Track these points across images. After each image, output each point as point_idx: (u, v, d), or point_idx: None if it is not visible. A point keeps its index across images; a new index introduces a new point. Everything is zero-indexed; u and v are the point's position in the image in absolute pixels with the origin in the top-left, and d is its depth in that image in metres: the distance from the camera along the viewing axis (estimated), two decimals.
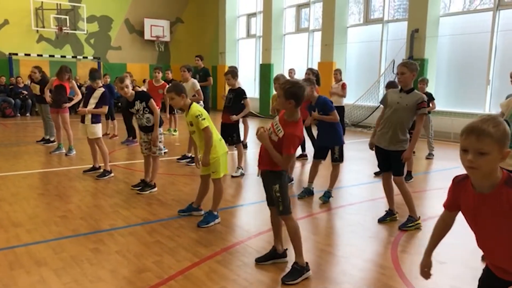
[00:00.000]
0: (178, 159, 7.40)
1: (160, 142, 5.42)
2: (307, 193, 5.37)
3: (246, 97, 6.50)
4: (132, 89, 5.38)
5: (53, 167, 6.91)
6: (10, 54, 15.73)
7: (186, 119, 4.33)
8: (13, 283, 3.05)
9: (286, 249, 3.48)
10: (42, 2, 15.94)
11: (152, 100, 5.36)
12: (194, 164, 5.74)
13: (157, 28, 18.67)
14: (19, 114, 14.45)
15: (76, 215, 4.52)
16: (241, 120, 8.08)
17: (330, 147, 5.27)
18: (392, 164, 4.30)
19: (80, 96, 7.82)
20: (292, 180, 6.04)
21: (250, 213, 4.93)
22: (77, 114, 6.37)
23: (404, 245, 3.92)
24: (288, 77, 9.87)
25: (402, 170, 4.36)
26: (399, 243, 3.96)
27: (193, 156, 6.66)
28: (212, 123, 4.28)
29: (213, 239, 3.93)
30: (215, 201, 4.35)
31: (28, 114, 14.51)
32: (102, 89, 6.22)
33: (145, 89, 7.91)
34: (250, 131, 8.77)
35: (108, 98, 6.28)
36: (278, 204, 3.23)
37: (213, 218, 4.28)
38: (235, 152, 6.80)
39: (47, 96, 8.11)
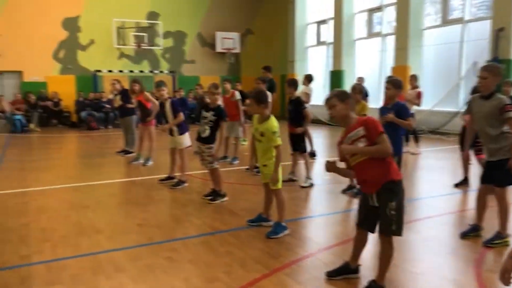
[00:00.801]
0: (247, 168, 7.47)
1: (209, 156, 5.48)
2: None
3: (305, 107, 6.50)
4: (202, 101, 5.59)
5: (132, 177, 7.32)
6: (95, 71, 17.02)
7: (258, 126, 4.33)
8: (95, 287, 3.25)
9: (360, 265, 3.35)
10: (123, 21, 17.08)
11: (224, 122, 5.52)
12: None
13: (228, 40, 19.18)
14: (102, 127, 15.53)
15: (152, 223, 4.73)
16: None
17: None
18: (495, 175, 3.93)
19: (156, 103, 8.12)
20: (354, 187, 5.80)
21: (320, 225, 4.84)
22: (162, 131, 6.66)
23: (490, 264, 3.61)
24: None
25: (508, 180, 3.97)
26: (484, 261, 3.65)
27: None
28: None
29: (282, 251, 3.90)
30: (279, 212, 4.33)
31: (110, 127, 15.54)
32: (169, 100, 6.47)
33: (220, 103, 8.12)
34: (319, 140, 8.65)
35: (178, 104, 6.52)
36: (390, 222, 2.94)
37: (282, 229, 4.25)
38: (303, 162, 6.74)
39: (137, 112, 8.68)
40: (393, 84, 4.84)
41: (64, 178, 7.23)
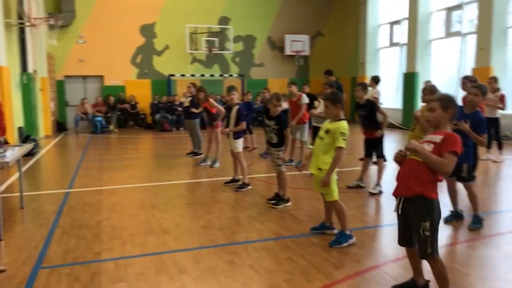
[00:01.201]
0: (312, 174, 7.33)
1: (278, 158, 5.45)
2: (455, 217, 4.78)
3: (379, 107, 6.22)
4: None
5: (199, 178, 7.49)
6: (169, 75, 17.75)
7: (325, 125, 4.20)
8: (158, 287, 3.32)
9: (429, 281, 3.11)
10: (195, 27, 17.65)
11: (287, 130, 5.46)
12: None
13: (297, 43, 19.11)
14: (174, 129, 16.14)
15: (215, 225, 4.77)
16: None
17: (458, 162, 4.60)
18: None
19: (222, 109, 8.34)
20: None
21: (388, 236, 4.58)
22: (222, 133, 6.79)
23: None
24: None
25: None
26: None
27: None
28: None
29: (346, 261, 3.75)
30: (340, 221, 4.16)
31: (181, 129, 16.10)
32: (237, 107, 6.53)
33: (286, 106, 8.08)
34: (390, 145, 8.27)
35: (243, 114, 6.57)
36: (426, 245, 2.78)
37: (345, 239, 4.08)
38: (374, 168, 6.46)
39: (205, 116, 8.93)
40: (481, 90, 4.44)
41: (136, 177, 7.57)
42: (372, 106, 6.17)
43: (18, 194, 5.73)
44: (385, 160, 8.17)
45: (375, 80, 9.81)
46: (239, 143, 6.56)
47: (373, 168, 6.54)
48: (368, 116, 6.14)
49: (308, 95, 8.78)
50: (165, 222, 4.92)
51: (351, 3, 18.96)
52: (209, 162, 8.49)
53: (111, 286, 3.34)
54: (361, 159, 6.42)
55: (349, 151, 9.75)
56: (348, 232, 4.14)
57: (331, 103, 4.12)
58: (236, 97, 6.64)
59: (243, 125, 6.50)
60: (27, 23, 11.14)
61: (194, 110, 9.36)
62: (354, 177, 6.54)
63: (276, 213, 5.20)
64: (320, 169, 4.08)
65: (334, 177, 4.14)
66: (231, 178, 6.84)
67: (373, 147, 6.25)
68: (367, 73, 17.51)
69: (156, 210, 5.42)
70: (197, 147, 9.60)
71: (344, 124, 4.08)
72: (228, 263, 3.74)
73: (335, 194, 4.13)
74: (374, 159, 6.33)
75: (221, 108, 8.48)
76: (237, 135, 6.52)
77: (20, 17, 11.12)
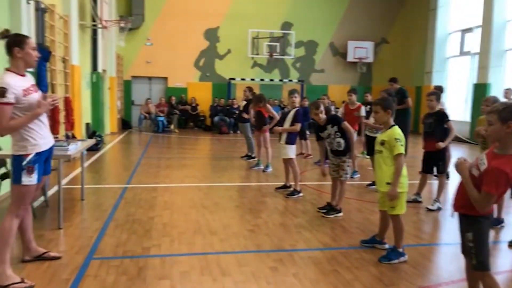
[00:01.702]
0: (368, 184, 7.09)
1: (348, 166, 5.27)
2: None
3: (449, 120, 5.78)
4: (327, 113, 5.43)
5: (251, 182, 7.50)
6: (229, 79, 18.05)
7: (379, 136, 4.06)
8: (200, 287, 3.34)
9: None
10: (258, 32, 17.82)
11: (344, 122, 5.29)
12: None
13: (360, 49, 18.69)
14: (232, 131, 16.36)
15: (262, 230, 4.74)
16: None
17: None
18: None
19: (277, 118, 8.34)
20: (502, 222, 5.05)
21: (444, 255, 4.31)
22: (273, 133, 6.75)
23: None
24: (504, 99, 8.53)
25: None
26: None
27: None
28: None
29: (396, 279, 3.55)
30: (396, 238, 3.95)
31: (238, 132, 16.27)
32: (296, 109, 6.46)
33: (340, 113, 7.92)
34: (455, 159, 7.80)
35: (301, 116, 6.48)
36: (471, 256, 2.72)
37: (397, 256, 3.87)
38: (434, 182, 6.11)
39: (251, 116, 9.01)
40: None
41: (191, 177, 7.73)
42: (442, 116, 5.73)
43: (79, 186, 6.04)
44: (447, 177, 7.75)
45: (439, 90, 9.32)
46: (291, 150, 6.45)
47: (434, 183, 6.19)
48: (434, 125, 5.72)
49: (370, 103, 8.53)
50: (213, 223, 4.96)
51: (419, 9, 18.24)
52: (262, 167, 8.49)
53: (155, 282, 3.40)
54: (421, 173, 6.07)
55: (409, 163, 9.32)
56: (401, 250, 3.93)
57: (381, 108, 3.97)
58: (297, 100, 6.60)
59: (297, 126, 6.38)
60: (99, 25, 11.82)
61: (245, 115, 9.42)
62: (412, 191, 6.23)
63: (326, 223, 5.06)
64: (388, 183, 3.89)
65: (405, 189, 3.92)
66: (282, 183, 6.78)
67: (434, 162, 5.86)
68: (433, 82, 16.73)
69: (206, 210, 5.49)
70: (250, 150, 9.64)
71: (396, 130, 3.92)
72: (271, 269, 3.68)
73: (400, 209, 3.91)
74: (435, 173, 5.98)
75: (276, 114, 8.46)
76: (289, 140, 6.42)
77: (93, 19, 11.81)
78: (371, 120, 7.04)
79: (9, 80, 3.18)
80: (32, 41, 3.42)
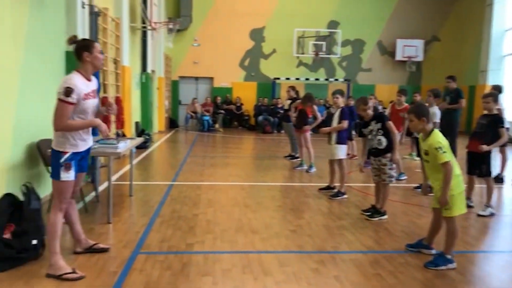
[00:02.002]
0: (415, 187, 6.88)
1: (390, 169, 5.14)
2: None
3: (503, 126, 5.46)
4: (374, 111, 5.34)
5: (294, 182, 7.48)
6: (274, 78, 18.07)
7: (422, 144, 3.95)
8: (241, 286, 3.38)
9: None
10: (303, 31, 17.72)
11: (389, 122, 5.17)
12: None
13: (410, 48, 18.14)
14: (275, 131, 16.38)
15: (304, 231, 4.72)
16: (497, 150, 6.95)
17: None
18: None
19: (319, 120, 8.28)
20: None
21: (496, 263, 4.10)
22: (320, 133, 6.68)
23: None
24: None
25: None
26: None
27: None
28: (453, 156, 3.78)
29: (441, 286, 3.43)
30: (447, 243, 3.80)
31: (282, 131, 16.25)
32: (340, 109, 6.39)
33: (386, 113, 7.74)
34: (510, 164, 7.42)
35: (347, 114, 6.38)
36: None
37: (444, 262, 3.73)
38: (484, 186, 5.84)
39: (292, 115, 8.97)
40: None
41: (234, 176, 7.82)
42: (497, 120, 5.42)
43: (128, 183, 6.27)
44: (502, 181, 7.36)
45: (498, 89, 8.88)
46: (341, 150, 6.33)
47: (483, 187, 5.91)
48: (486, 127, 5.42)
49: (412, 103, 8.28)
50: (255, 222, 5.00)
51: (473, 5, 17.45)
52: (305, 167, 8.45)
53: (198, 278, 3.47)
54: (468, 175, 5.78)
55: (460, 165, 8.97)
56: (449, 256, 3.78)
57: (415, 116, 3.85)
58: (340, 100, 6.51)
59: (345, 123, 6.26)
60: (149, 27, 12.19)
61: (292, 114, 9.36)
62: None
63: (370, 226, 4.97)
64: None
65: (455, 192, 3.76)
66: (326, 184, 6.71)
67: (477, 164, 5.54)
68: (488, 81, 15.94)
69: (248, 209, 5.54)
70: (294, 150, 9.61)
71: (436, 137, 3.78)
72: (313, 271, 3.66)
73: (456, 211, 3.77)
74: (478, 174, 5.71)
75: (319, 115, 8.39)
76: (340, 140, 6.33)
77: (143, 21, 12.21)
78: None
79: (76, 81, 3.39)
80: (99, 45, 3.62)
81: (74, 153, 3.49)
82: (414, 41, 18.18)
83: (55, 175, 3.47)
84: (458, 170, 3.81)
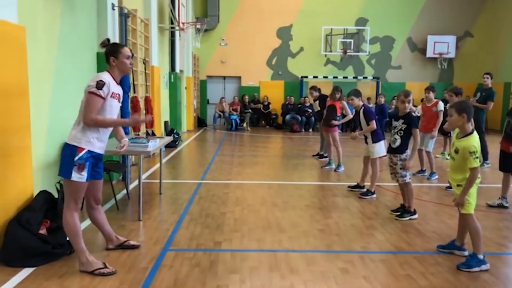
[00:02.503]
0: (447, 187, 6.71)
1: (401, 169, 5.06)
2: None
3: None
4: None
5: (322, 181, 7.42)
6: (301, 77, 17.98)
7: (455, 141, 3.83)
8: (268, 283, 3.39)
9: None
10: (331, 28, 17.56)
11: (417, 130, 5.09)
12: None
13: (441, 44, 17.69)
14: (303, 130, 16.30)
15: (332, 230, 4.68)
16: None
17: None
18: None
19: (350, 116, 8.18)
20: None
21: None
22: (351, 138, 6.57)
23: None
24: None
25: None
26: None
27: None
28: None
29: None
30: (474, 243, 3.71)
31: (310, 130, 16.18)
32: (362, 108, 6.30)
33: (419, 113, 7.57)
34: None
35: (371, 112, 6.29)
36: None
37: (477, 263, 3.63)
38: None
39: (316, 108, 8.97)
40: None
41: (262, 175, 7.83)
42: None
43: (158, 181, 6.38)
44: None
45: None
46: (379, 148, 6.24)
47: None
48: None
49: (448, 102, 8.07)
50: (283, 221, 4.99)
51: None
52: (333, 166, 8.37)
53: (226, 276, 3.50)
54: (504, 173, 5.61)
55: (493, 165, 8.71)
56: (481, 257, 3.68)
57: (455, 111, 3.75)
58: (356, 101, 6.36)
59: (372, 124, 6.19)
60: (177, 27, 12.35)
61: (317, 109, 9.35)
62: (497, 194, 5.80)
63: (400, 226, 4.88)
64: (459, 185, 3.77)
65: (473, 190, 3.71)
66: (355, 183, 6.63)
67: (508, 162, 5.44)
68: None
69: (276, 208, 5.54)
70: (324, 149, 9.53)
71: (473, 141, 3.67)
72: (341, 270, 3.63)
73: (470, 207, 3.71)
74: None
75: (351, 115, 8.27)
76: (376, 138, 6.25)
77: (171, 22, 12.38)
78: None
79: (108, 78, 3.49)
80: (127, 50, 3.68)
81: (89, 153, 3.47)
82: (446, 37, 17.71)
83: (65, 173, 3.40)
84: (479, 176, 3.75)
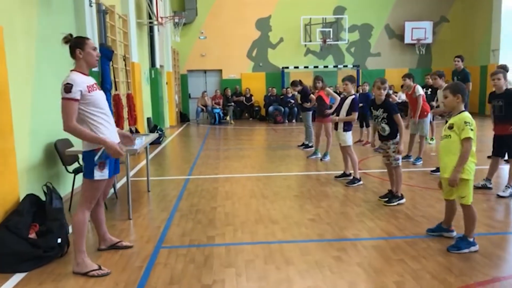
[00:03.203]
0: (432, 171, 6.83)
1: (393, 152, 5.14)
2: None
3: None
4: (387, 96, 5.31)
5: (309, 171, 7.47)
6: (282, 68, 17.99)
7: (449, 120, 3.86)
8: (264, 276, 3.40)
9: None
10: (310, 18, 17.57)
11: (398, 115, 5.12)
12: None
13: (418, 30, 17.90)
14: (287, 121, 16.33)
15: (323, 219, 4.72)
16: None
17: None
18: None
19: (338, 98, 8.15)
20: None
21: None
22: (331, 122, 6.66)
23: None
24: None
25: None
26: None
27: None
28: (475, 140, 3.73)
29: (466, 269, 3.42)
30: (467, 227, 3.78)
31: (294, 121, 16.23)
32: (352, 96, 6.33)
33: (399, 100, 7.68)
34: None
35: (357, 104, 6.35)
36: None
37: (467, 245, 3.72)
38: (505, 168, 5.78)
39: (314, 101, 8.92)
40: None
41: (249, 167, 7.84)
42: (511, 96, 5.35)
43: (145, 178, 6.32)
44: None
45: (504, 68, 8.74)
46: (348, 136, 6.36)
47: (505, 168, 5.86)
48: (505, 108, 5.36)
49: (431, 87, 8.20)
50: (274, 212, 5.02)
51: None
52: (319, 155, 8.42)
53: (222, 270, 3.51)
54: (489, 157, 5.76)
55: (477, 148, 8.89)
56: (471, 239, 3.76)
57: (450, 92, 3.78)
58: (350, 86, 6.39)
59: (354, 115, 6.29)
60: (155, 22, 12.19)
61: (305, 104, 9.35)
62: (481, 177, 5.93)
63: (389, 212, 4.95)
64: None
65: (471, 177, 3.74)
66: (342, 172, 6.70)
67: (505, 145, 5.53)
68: (500, 61, 15.68)
69: (266, 200, 5.56)
70: (308, 139, 9.59)
71: (467, 114, 3.72)
72: (335, 259, 3.67)
73: (470, 198, 3.75)
74: (506, 157, 5.64)
75: (338, 97, 8.28)
76: (346, 127, 6.34)
77: (149, 17, 12.20)
78: (437, 105, 6.73)
79: (74, 77, 3.36)
80: (92, 41, 3.59)
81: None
82: (423, 23, 17.93)
83: (89, 174, 3.44)
84: (474, 158, 3.76)
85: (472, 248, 3.72)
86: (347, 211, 5.01)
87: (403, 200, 5.21)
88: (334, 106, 8.59)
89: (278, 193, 5.90)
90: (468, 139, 3.63)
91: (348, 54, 18.51)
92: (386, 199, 5.27)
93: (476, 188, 5.70)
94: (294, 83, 9.69)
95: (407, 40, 18.00)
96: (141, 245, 4.07)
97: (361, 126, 10.17)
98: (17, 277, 3.42)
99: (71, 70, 3.46)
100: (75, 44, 3.46)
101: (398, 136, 5.17)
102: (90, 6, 6.88)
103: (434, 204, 5.19)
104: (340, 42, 18.02)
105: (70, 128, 3.32)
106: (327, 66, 18.16)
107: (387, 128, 5.15)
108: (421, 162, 7.57)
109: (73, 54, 3.47)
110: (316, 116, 8.66)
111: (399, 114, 5.18)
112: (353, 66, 18.25)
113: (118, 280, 3.35)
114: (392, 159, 5.20)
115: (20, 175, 4.25)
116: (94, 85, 3.50)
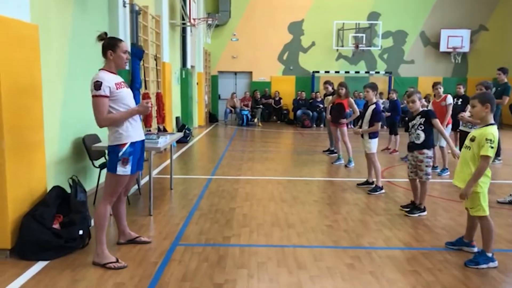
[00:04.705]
0: None
1: (426, 166, 5.01)
2: None
3: None
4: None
5: (331, 177, 7.43)
6: (313, 72, 17.93)
7: (473, 132, 3.80)
8: (276, 279, 3.43)
9: None
10: (343, 23, 17.44)
11: (436, 120, 5.03)
12: None
13: (455, 38, 17.47)
14: (314, 125, 16.27)
15: (341, 226, 4.70)
16: None
17: None
18: None
19: (357, 114, 8.06)
20: None
21: None
22: (354, 133, 6.61)
23: None
24: None
25: None
26: None
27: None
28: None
29: (482, 285, 3.34)
30: (485, 241, 3.69)
31: (322, 126, 16.14)
32: (374, 106, 6.25)
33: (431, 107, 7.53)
34: None
35: (379, 114, 6.25)
36: None
37: (485, 261, 3.63)
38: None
39: (328, 107, 8.92)
40: None
41: (272, 170, 7.86)
42: None
43: (169, 176, 6.46)
44: None
45: None
46: (373, 144, 6.29)
47: None
48: None
49: (462, 96, 8.01)
50: (291, 216, 5.03)
51: None
52: (343, 162, 8.37)
53: (234, 270, 3.56)
54: None
55: (505, 161, 8.63)
56: (490, 255, 3.67)
57: (479, 102, 3.69)
58: (371, 94, 6.30)
59: (378, 126, 6.22)
60: (188, 23, 12.40)
61: (342, 121, 9.20)
62: (508, 191, 5.75)
63: (409, 222, 4.88)
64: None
65: (485, 190, 3.68)
66: (365, 179, 6.63)
67: None
68: None
69: (284, 204, 5.58)
70: (334, 145, 9.52)
71: (492, 130, 3.62)
72: (348, 266, 3.66)
73: (483, 210, 3.67)
74: None
75: (356, 109, 8.19)
76: (371, 135, 6.27)
77: (183, 18, 12.43)
78: (466, 114, 6.55)
79: (103, 75, 3.51)
80: (125, 44, 3.72)
81: (132, 145, 3.59)
82: (460, 31, 17.48)
83: (112, 168, 3.57)
84: (489, 173, 3.69)
85: (491, 264, 3.63)
86: (366, 219, 4.97)
87: (425, 213, 5.12)
88: (351, 118, 8.57)
89: (297, 197, 5.90)
90: (486, 157, 3.55)
91: (380, 60, 18.26)
92: (408, 209, 5.18)
93: (501, 203, 5.57)
94: (328, 82, 9.60)
95: (443, 48, 17.60)
96: (158, 241, 4.17)
97: (390, 134, 10.02)
98: (40, 265, 3.58)
99: (100, 69, 3.60)
100: (108, 45, 3.61)
101: (431, 150, 5.06)
102: (124, 6, 7.09)
103: (456, 217, 5.07)
104: (373, 48, 17.80)
105: (103, 121, 3.49)
106: (358, 72, 17.97)
107: (422, 135, 5.01)
108: (448, 173, 7.39)
109: (104, 54, 3.61)
110: (331, 121, 8.65)
111: (437, 120, 5.09)
112: (385, 72, 17.99)
113: (134, 274, 3.45)
114: (423, 174, 5.03)
115: (48, 167, 4.43)
116: (122, 83, 3.64)
